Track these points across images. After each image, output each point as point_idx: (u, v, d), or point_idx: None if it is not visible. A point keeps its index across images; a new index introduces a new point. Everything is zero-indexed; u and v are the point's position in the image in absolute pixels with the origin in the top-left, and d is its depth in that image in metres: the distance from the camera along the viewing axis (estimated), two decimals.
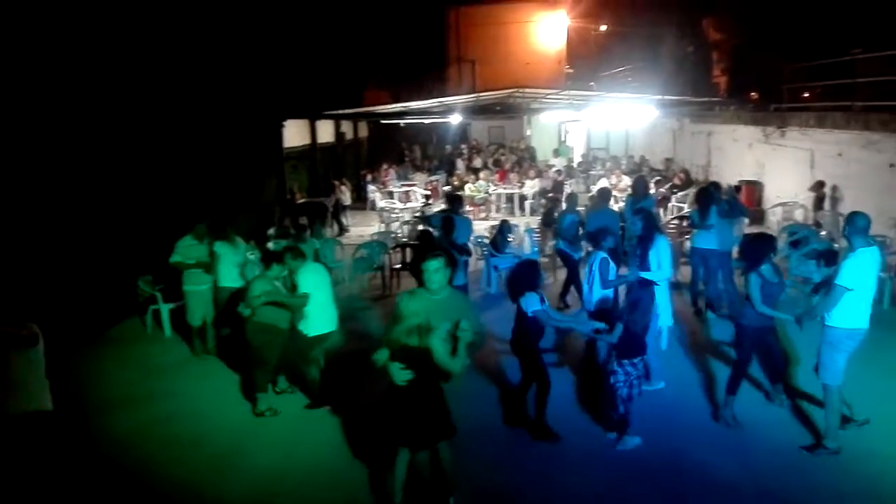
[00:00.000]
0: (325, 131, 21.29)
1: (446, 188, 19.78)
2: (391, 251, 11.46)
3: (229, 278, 7.93)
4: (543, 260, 11.76)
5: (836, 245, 10.02)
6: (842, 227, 5.49)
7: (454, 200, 10.27)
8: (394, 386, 4.30)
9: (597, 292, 6.61)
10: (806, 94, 16.39)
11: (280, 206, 15.97)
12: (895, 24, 13.46)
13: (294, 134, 18.29)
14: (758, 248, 5.66)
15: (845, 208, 12.05)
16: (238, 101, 13.58)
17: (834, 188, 12.30)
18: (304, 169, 19.77)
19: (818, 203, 12.43)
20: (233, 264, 7.94)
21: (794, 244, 9.98)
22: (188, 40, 11.48)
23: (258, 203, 15.03)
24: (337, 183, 17.35)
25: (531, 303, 5.49)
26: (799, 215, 13.15)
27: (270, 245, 11.26)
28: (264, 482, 5.41)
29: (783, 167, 14.44)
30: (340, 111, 18.57)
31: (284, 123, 16.64)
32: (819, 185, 12.43)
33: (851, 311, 5.15)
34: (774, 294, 5.58)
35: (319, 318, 6.54)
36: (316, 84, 18.30)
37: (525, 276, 5.66)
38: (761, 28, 18.06)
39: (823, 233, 11.06)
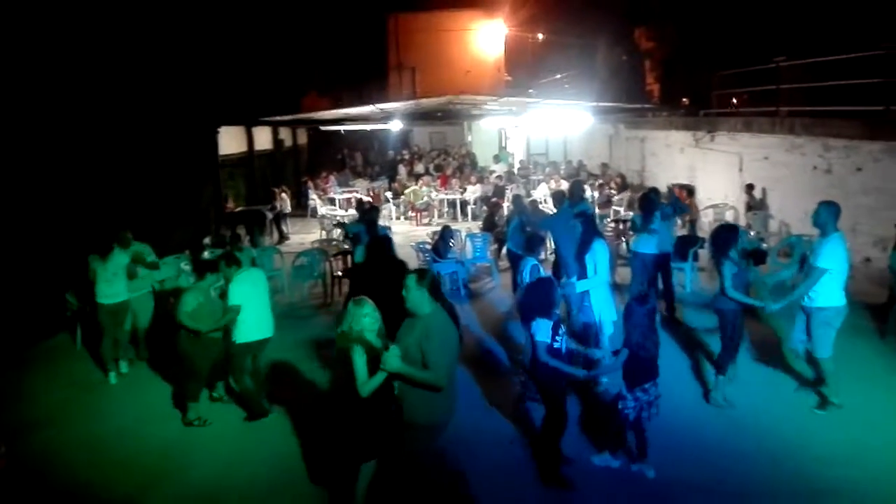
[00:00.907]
0: (263, 138, 20.93)
1: (388, 194, 19.74)
2: (332, 258, 11.31)
3: (104, 294, 7.60)
4: (486, 264, 11.85)
5: (764, 245, 10.43)
6: (812, 216, 5.97)
7: (366, 212, 10.15)
8: (359, 399, 4.22)
9: None
10: (734, 101, 17.04)
11: (216, 214, 15.59)
12: (816, 32, 14.12)
13: (230, 141, 17.90)
14: (726, 238, 6.03)
15: (772, 209, 12.58)
16: (170, 107, 13.19)
17: (762, 190, 12.80)
18: (242, 176, 19.37)
19: (748, 205, 12.91)
20: (104, 280, 7.60)
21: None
22: (115, 43, 11.09)
23: (192, 211, 14.63)
24: (276, 190, 17.04)
25: (540, 331, 4.95)
26: (730, 216, 13.61)
27: (206, 254, 11.00)
28: (199, 500, 5.23)
29: (713, 170, 14.95)
30: (278, 118, 18.29)
31: (219, 130, 16.25)
32: (749, 188, 12.91)
33: (837, 290, 5.79)
34: (743, 279, 6.04)
35: (253, 325, 6.37)
36: (252, 90, 17.95)
37: (536, 300, 5.09)
38: (691, 37, 18.67)
39: (752, 233, 11.46)
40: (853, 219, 10.29)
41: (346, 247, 11.57)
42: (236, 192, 18.18)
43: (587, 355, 5.95)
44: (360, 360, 4.24)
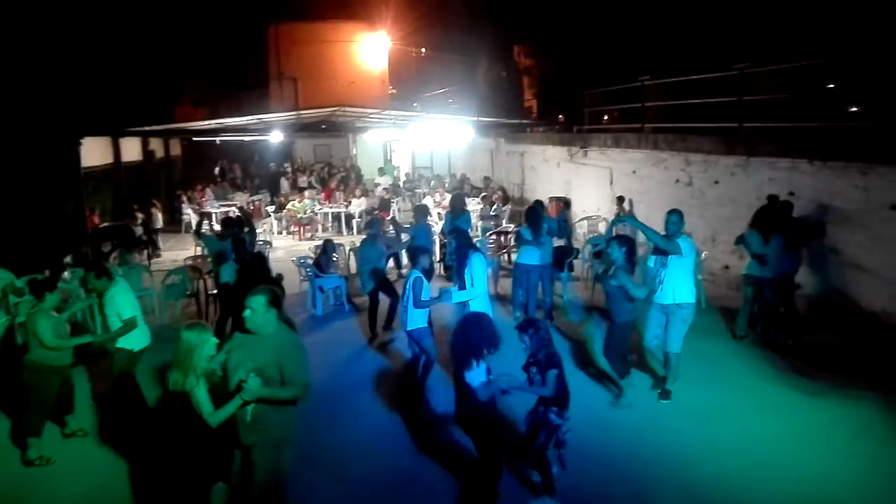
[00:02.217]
0: (132, 149, 19.72)
1: (270, 208, 19.17)
2: (206, 276, 10.76)
3: None
4: None
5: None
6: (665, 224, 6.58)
7: (229, 224, 9.77)
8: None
9: (410, 312, 6.59)
10: (606, 118, 17.94)
11: (78, 231, 14.49)
12: (677, 53, 15.14)
13: (94, 152, 16.72)
14: (629, 249, 6.34)
15: (640, 220, 13.26)
16: (23, 116, 12.15)
17: (630, 202, 13.48)
18: (108, 190, 18.14)
19: (617, 216, 13.54)
20: None
21: (597, 255, 10.78)
22: None
23: (53, 229, 13.52)
24: (136, 207, 16.03)
25: (474, 375, 4.55)
26: (602, 228, 14.24)
27: (66, 274, 10.18)
28: None
29: (587, 184, 15.61)
30: (147, 128, 17.31)
31: (82, 141, 15.15)
32: (619, 200, 13.56)
33: (693, 289, 6.47)
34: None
35: (141, 333, 6.18)
36: (119, 98, 16.92)
37: (471, 339, 4.61)
38: (565, 55, 19.51)
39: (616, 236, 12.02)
40: (712, 229, 11.05)
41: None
42: (102, 207, 17.00)
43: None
44: (202, 393, 4.08)
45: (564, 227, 9.63)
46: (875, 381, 6.70)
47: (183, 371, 4.07)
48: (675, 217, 6.55)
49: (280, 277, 8.70)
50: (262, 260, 8.82)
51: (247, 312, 4.11)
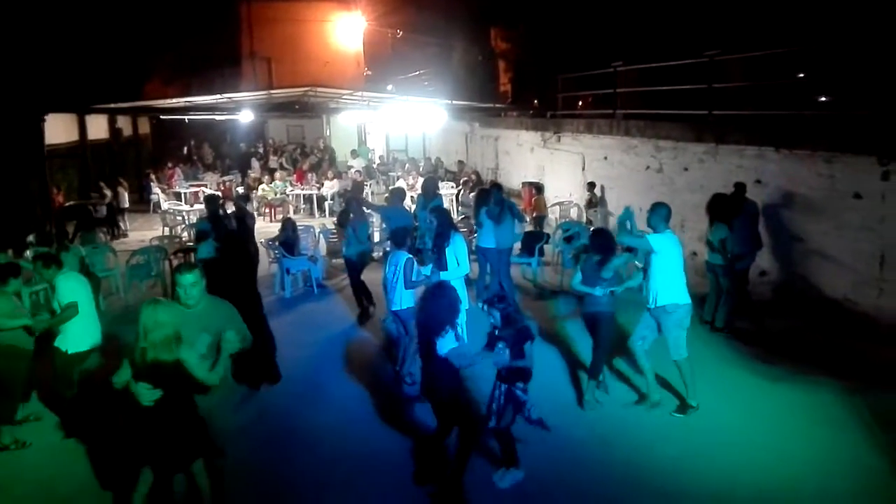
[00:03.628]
0: (98, 127, 19.27)
1: (240, 189, 18.90)
2: (172, 256, 10.58)
3: None
4: (340, 260, 11.60)
5: None
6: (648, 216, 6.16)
7: (207, 203, 9.59)
8: (141, 405, 3.90)
9: (400, 292, 6.57)
10: (580, 103, 17.93)
11: (42, 209, 14.16)
12: (650, 39, 15.16)
13: (59, 129, 16.33)
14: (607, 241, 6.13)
15: (611, 206, 13.34)
16: None
17: (601, 188, 13.54)
18: (74, 168, 17.73)
19: (589, 201, 13.62)
20: None
21: (568, 240, 10.83)
22: None
23: (14, 206, 13.19)
24: (103, 185, 15.69)
25: (445, 343, 4.62)
26: (573, 213, 14.30)
27: (28, 253, 9.95)
28: None
29: (559, 170, 15.64)
30: (114, 105, 16.92)
31: (45, 117, 14.76)
32: (591, 186, 13.61)
33: (682, 289, 5.96)
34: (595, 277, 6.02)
35: (82, 332, 5.82)
36: (85, 74, 16.49)
37: (441, 308, 4.68)
38: (540, 40, 19.44)
39: (591, 228, 12.08)
40: (681, 215, 11.10)
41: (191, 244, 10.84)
42: (68, 185, 16.63)
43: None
44: (192, 359, 3.99)
45: (510, 213, 9.21)
46: (835, 368, 6.81)
47: (150, 346, 3.96)
48: (663, 211, 6.08)
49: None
50: (239, 233, 8.67)
51: (179, 289, 4.27)
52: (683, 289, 5.98)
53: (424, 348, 4.75)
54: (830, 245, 8.44)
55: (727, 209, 7.89)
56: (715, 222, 7.85)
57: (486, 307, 4.94)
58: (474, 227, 9.94)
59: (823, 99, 11.44)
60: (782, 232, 9.15)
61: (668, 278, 5.92)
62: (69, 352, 5.77)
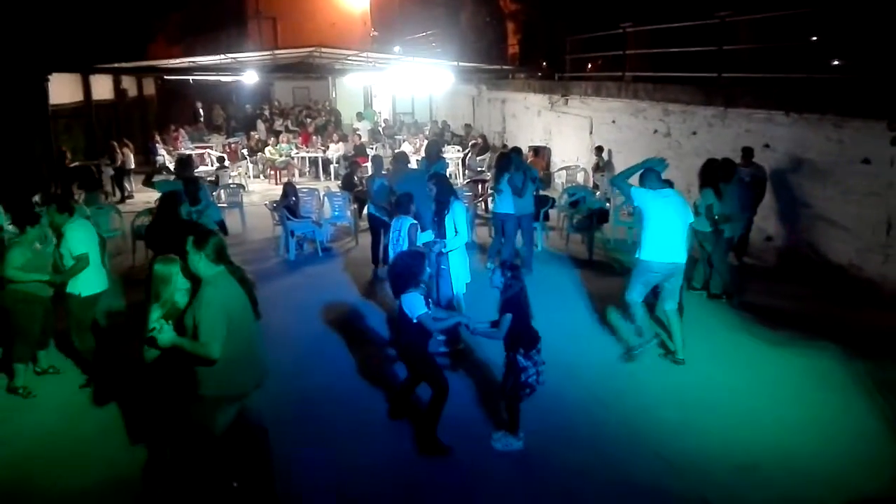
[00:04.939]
0: (103, 87, 19.14)
1: (245, 150, 18.85)
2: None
3: None
4: (346, 224, 11.61)
5: (608, 205, 10.96)
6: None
7: (184, 165, 9.26)
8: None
9: None
10: (589, 66, 17.64)
11: (48, 169, 14.17)
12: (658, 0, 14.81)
13: (63, 89, 16.21)
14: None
15: (617, 171, 13.23)
16: None
17: (609, 152, 13.41)
18: (80, 129, 17.68)
19: (596, 165, 13.51)
20: None
21: (574, 204, 10.77)
22: None
23: (19, 166, 13.20)
24: (115, 144, 15.65)
25: (415, 305, 4.79)
26: (580, 177, 14.21)
27: (36, 198, 9.99)
28: (22, 465, 4.94)
29: (567, 133, 15.48)
30: (117, 65, 16.78)
31: (49, 77, 14.67)
32: (598, 150, 13.49)
33: (659, 247, 6.09)
34: None
35: (93, 277, 6.00)
36: (89, 33, 16.32)
37: (407, 271, 4.91)
38: (549, 0, 19.03)
39: (598, 193, 12.02)
40: (687, 180, 11.01)
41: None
42: (74, 146, 16.59)
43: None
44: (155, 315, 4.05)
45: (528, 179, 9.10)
46: (838, 334, 6.79)
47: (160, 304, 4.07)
48: (657, 172, 6.25)
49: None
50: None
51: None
52: (660, 247, 6.07)
53: (398, 308, 4.98)
54: (837, 210, 8.38)
55: (716, 175, 7.65)
56: (703, 188, 7.70)
57: (494, 269, 4.99)
58: (491, 192, 9.83)
59: (836, 63, 11.21)
60: (789, 197, 9.07)
61: (646, 233, 6.12)
62: (82, 295, 5.93)
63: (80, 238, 5.89)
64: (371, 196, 9.52)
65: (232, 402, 4.11)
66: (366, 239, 10.09)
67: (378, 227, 9.31)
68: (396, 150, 11.64)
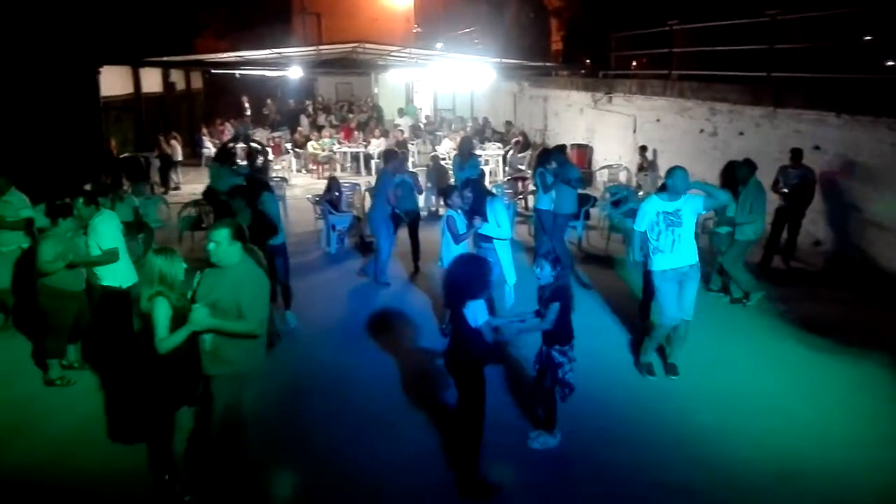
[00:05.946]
0: (152, 80, 19.61)
1: (288, 145, 19.11)
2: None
3: None
4: None
5: None
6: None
7: (225, 158, 9.52)
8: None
9: (453, 249, 6.47)
10: (634, 63, 17.41)
11: (98, 160, 14.57)
12: None
13: (114, 82, 16.68)
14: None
15: (661, 171, 13.03)
16: (42, 44, 12.10)
17: (653, 151, 13.22)
18: (129, 121, 18.15)
19: (640, 165, 13.33)
20: None
21: (615, 203, 10.66)
22: None
23: (70, 156, 13.61)
24: (162, 137, 16.02)
25: (479, 314, 4.29)
26: (623, 177, 14.04)
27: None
28: (61, 448, 5.07)
29: (610, 132, 15.31)
30: (166, 58, 17.17)
31: (100, 70, 15.09)
32: (642, 149, 13.31)
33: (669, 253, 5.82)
34: None
35: (126, 269, 6.07)
36: (139, 28, 16.74)
37: (466, 280, 4.31)
38: None
39: (641, 193, 11.85)
40: None
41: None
42: (123, 138, 17.05)
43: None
44: (160, 317, 4.09)
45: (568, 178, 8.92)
46: (884, 341, 6.60)
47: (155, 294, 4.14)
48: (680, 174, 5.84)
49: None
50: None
51: (210, 245, 4.11)
52: (669, 254, 5.76)
53: (455, 318, 4.45)
54: (889, 215, 8.13)
55: (734, 178, 7.42)
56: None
57: (542, 263, 4.84)
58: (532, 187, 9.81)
59: (890, 63, 10.86)
60: (838, 200, 8.84)
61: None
62: (122, 287, 5.97)
63: (110, 232, 5.89)
64: (374, 192, 9.39)
65: (252, 381, 4.34)
66: (404, 233, 10.10)
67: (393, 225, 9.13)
68: (432, 154, 11.67)
